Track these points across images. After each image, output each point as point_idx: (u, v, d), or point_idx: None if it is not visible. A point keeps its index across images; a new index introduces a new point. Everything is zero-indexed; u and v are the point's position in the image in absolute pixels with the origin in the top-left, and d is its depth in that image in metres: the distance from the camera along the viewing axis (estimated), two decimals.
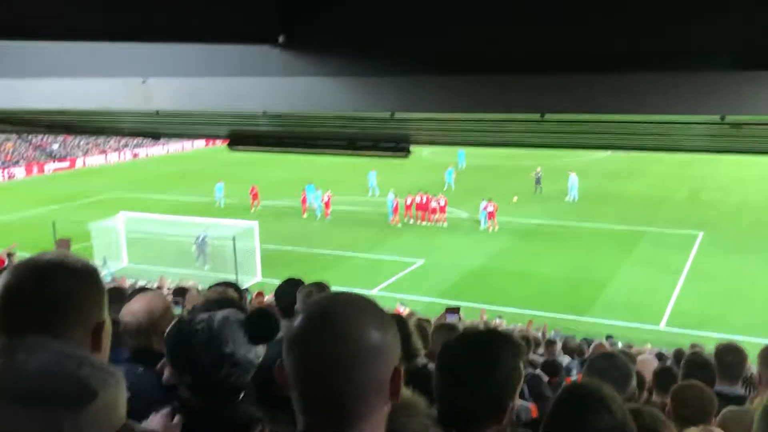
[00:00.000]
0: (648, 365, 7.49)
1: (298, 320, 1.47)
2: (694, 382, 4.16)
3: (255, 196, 37.50)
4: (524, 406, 4.67)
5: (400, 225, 33.32)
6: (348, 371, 1.39)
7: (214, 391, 2.37)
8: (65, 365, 1.54)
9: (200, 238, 27.75)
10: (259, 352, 2.44)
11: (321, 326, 1.42)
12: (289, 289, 4.51)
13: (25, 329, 1.61)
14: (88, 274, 1.76)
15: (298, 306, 4.30)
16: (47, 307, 1.66)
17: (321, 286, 4.37)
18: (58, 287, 1.68)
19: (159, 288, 15.50)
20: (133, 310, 3.27)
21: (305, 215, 35.81)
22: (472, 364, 1.62)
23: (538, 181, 39.82)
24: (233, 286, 5.91)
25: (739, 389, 4.87)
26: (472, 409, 1.51)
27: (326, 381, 1.39)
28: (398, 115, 4.48)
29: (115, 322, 2.68)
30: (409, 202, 33.87)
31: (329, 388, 1.40)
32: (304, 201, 36.05)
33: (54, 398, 1.49)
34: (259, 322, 2.41)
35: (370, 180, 41.23)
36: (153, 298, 3.36)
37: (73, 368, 1.54)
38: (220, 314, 2.43)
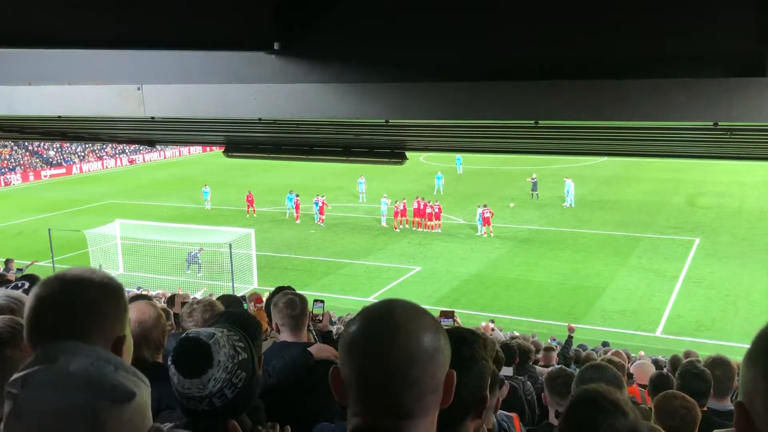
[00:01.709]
0: (644, 371, 7.48)
1: (356, 324, 1.52)
2: (676, 393, 4.14)
3: (251, 203, 37.52)
4: (507, 416, 4.65)
5: (398, 230, 33.31)
6: (409, 370, 1.45)
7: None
8: (104, 368, 1.65)
9: (192, 254, 27.69)
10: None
11: (380, 330, 1.48)
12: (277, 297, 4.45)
13: (53, 337, 1.70)
14: (113, 289, 1.85)
15: (279, 316, 4.23)
16: (72, 317, 1.74)
17: (300, 295, 4.31)
18: (83, 299, 1.77)
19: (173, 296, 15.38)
20: None
21: (298, 221, 35.85)
22: (455, 361, 1.66)
23: (534, 186, 39.86)
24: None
25: (729, 404, 4.83)
26: (459, 403, 1.55)
27: (388, 379, 1.45)
28: (393, 121, 4.49)
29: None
30: (402, 207, 33.85)
31: (390, 386, 1.45)
32: (297, 207, 36.07)
33: (96, 397, 1.58)
34: (187, 356, 2.36)
35: (359, 186, 41.29)
36: (144, 308, 3.32)
37: (111, 371, 1.65)
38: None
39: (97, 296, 1.78)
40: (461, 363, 2.04)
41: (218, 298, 5.69)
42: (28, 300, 1.77)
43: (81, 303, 1.75)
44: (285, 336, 4.19)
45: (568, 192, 38.08)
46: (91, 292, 1.78)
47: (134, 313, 3.26)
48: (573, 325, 14.03)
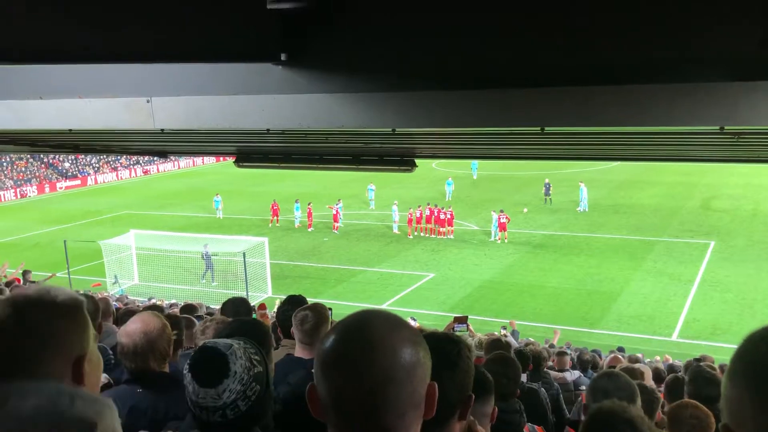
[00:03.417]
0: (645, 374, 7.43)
1: (329, 341, 1.44)
2: (689, 402, 4.10)
3: (275, 212, 37.55)
4: (531, 427, 4.66)
5: (409, 236, 33.30)
6: (387, 389, 1.38)
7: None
8: (59, 403, 1.57)
9: (204, 254, 27.80)
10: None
11: (356, 346, 1.40)
12: (291, 308, 4.45)
13: (8, 365, 1.65)
14: (68, 307, 1.77)
15: (293, 330, 4.24)
16: (25, 343, 1.68)
17: (317, 309, 4.28)
18: (35, 323, 1.70)
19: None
20: (129, 331, 3.27)
21: (311, 229, 35.92)
22: (442, 360, 1.70)
23: (546, 191, 39.75)
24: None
25: None
26: (445, 403, 1.56)
27: (365, 400, 1.38)
28: (400, 130, 4.51)
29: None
30: (418, 214, 33.88)
31: (368, 407, 1.38)
32: (310, 215, 36.15)
33: None
34: (204, 364, 2.37)
35: (369, 193, 41.34)
36: (148, 319, 3.34)
37: (67, 404, 1.57)
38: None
39: (49, 317, 1.72)
40: (449, 361, 2.09)
41: (224, 303, 5.71)
42: None
43: (34, 326, 1.70)
44: (297, 350, 4.20)
45: (582, 196, 37.95)
46: (44, 313, 1.72)
47: (139, 324, 3.30)
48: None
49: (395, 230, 34.49)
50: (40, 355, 1.68)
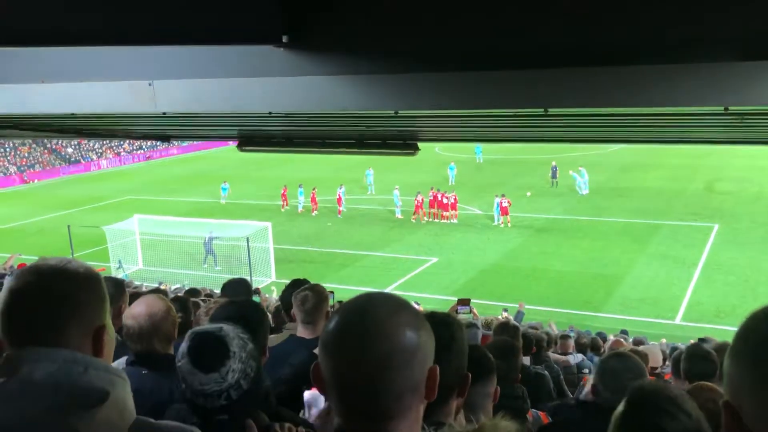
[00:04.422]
0: (652, 356, 7.45)
1: (332, 322, 1.48)
2: (703, 385, 4.08)
3: (285, 197, 37.54)
4: (535, 413, 4.67)
5: (422, 221, 33.25)
6: (384, 373, 1.41)
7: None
8: (71, 371, 1.60)
9: (206, 239, 27.82)
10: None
11: (356, 329, 1.43)
12: (295, 291, 4.49)
13: (28, 332, 1.67)
14: (89, 279, 1.79)
15: (294, 311, 4.30)
16: (47, 311, 1.70)
17: (316, 289, 4.34)
18: (59, 291, 1.72)
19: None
20: (134, 314, 3.29)
21: (315, 213, 35.94)
22: (436, 345, 1.72)
23: (554, 174, 39.66)
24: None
25: None
26: (443, 386, 1.57)
27: (362, 383, 1.41)
28: (402, 112, 4.49)
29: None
30: (420, 199, 33.82)
31: (365, 389, 1.41)
32: (314, 199, 36.15)
33: (66, 403, 1.54)
34: (206, 350, 2.37)
35: (367, 178, 41.26)
36: (153, 301, 3.37)
37: (80, 372, 1.60)
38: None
39: (73, 286, 1.74)
40: (443, 344, 2.10)
41: (224, 284, 5.78)
42: (3, 293, 1.73)
43: (57, 294, 1.71)
44: (299, 330, 4.27)
45: (582, 180, 37.86)
46: (67, 282, 1.74)
47: (144, 307, 3.32)
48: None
49: (398, 215, 34.48)
50: (61, 324, 1.70)
